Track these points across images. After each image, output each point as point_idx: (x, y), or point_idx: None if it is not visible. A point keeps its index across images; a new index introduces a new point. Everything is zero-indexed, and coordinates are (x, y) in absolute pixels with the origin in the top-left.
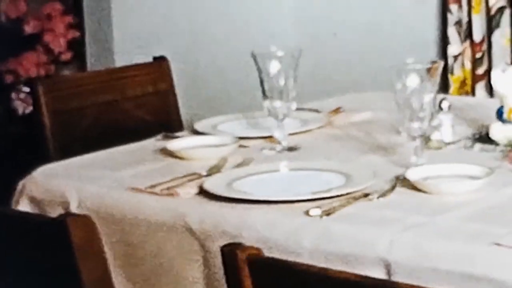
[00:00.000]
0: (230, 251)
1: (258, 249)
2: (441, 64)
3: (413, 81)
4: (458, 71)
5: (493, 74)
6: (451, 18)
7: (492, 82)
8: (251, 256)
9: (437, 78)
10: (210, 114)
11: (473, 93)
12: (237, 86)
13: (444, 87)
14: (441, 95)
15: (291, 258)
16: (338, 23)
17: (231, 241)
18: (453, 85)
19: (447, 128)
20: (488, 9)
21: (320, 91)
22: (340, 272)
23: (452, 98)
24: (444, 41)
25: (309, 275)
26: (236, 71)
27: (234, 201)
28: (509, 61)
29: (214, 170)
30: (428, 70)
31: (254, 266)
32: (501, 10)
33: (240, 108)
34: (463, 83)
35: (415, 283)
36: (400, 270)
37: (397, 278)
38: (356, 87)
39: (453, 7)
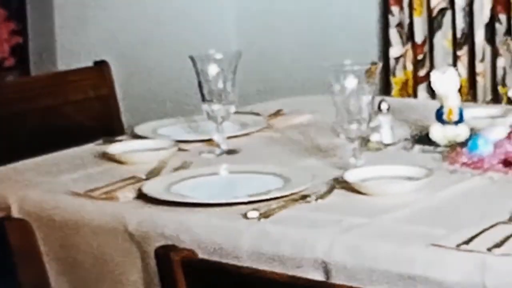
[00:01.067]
0: (164, 253)
1: (192, 251)
2: (379, 65)
3: (351, 82)
4: (400, 73)
5: (433, 75)
6: (393, 20)
7: (432, 83)
8: (185, 258)
9: (375, 80)
10: (154, 118)
11: (415, 95)
12: (180, 89)
13: (385, 89)
14: (381, 97)
15: (230, 261)
16: (279, 26)
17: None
18: (395, 87)
19: (386, 130)
20: (429, 10)
21: (261, 94)
22: (272, 272)
23: (392, 100)
24: (385, 43)
25: (242, 276)
26: (179, 75)
27: (172, 205)
28: (451, 62)
29: (153, 173)
30: (366, 71)
31: (188, 268)
32: (442, 11)
33: (183, 111)
34: (405, 85)
35: (353, 284)
36: (338, 272)
37: (335, 279)
38: (298, 90)
39: (395, 9)
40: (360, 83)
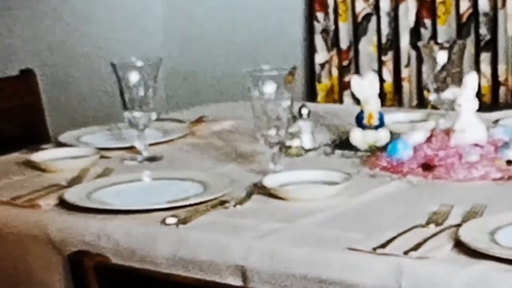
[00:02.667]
0: (78, 259)
1: (105, 256)
2: (296, 70)
3: (269, 88)
4: (325, 79)
5: (353, 80)
6: (318, 26)
7: (352, 88)
8: (98, 264)
9: (294, 85)
10: (79, 126)
11: (340, 101)
12: (105, 97)
13: (311, 95)
14: (301, 103)
15: (148, 266)
16: (204, 32)
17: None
18: (320, 93)
19: (306, 135)
20: (354, 16)
21: (186, 101)
22: (187, 277)
23: (313, 105)
24: (311, 49)
25: (156, 281)
26: (104, 83)
27: (93, 211)
28: (376, 68)
29: (75, 181)
30: (285, 77)
31: (101, 273)
32: (367, 17)
33: (108, 119)
34: (330, 91)
35: None
36: (256, 277)
37: (253, 284)
38: (224, 96)
39: (320, 15)
40: (279, 89)
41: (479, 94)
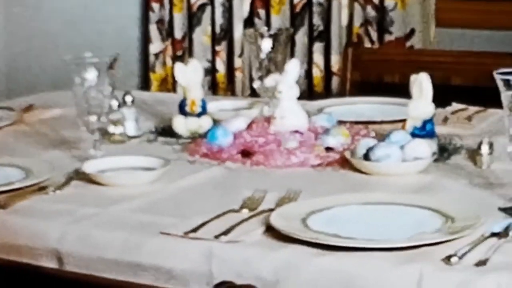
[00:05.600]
0: None
1: None
2: (117, 57)
3: (91, 75)
4: (159, 69)
5: (176, 67)
6: (153, 17)
7: (175, 75)
8: None
9: (116, 72)
10: None
11: (174, 90)
12: None
13: (145, 85)
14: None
15: None
16: (38, 22)
17: None
18: (154, 83)
19: (130, 122)
20: (189, 7)
21: (17, 89)
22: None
23: (139, 93)
24: (146, 39)
25: None
26: None
27: None
28: (210, 58)
29: None
30: (108, 64)
31: None
32: (202, 7)
33: None
34: (164, 81)
35: (85, 272)
36: (71, 260)
37: (69, 267)
38: (55, 86)
39: (155, 5)
40: (101, 76)
41: (311, 84)
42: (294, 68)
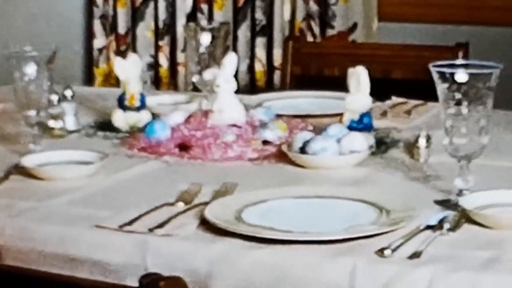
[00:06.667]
0: None
1: None
2: (56, 51)
3: (30, 69)
4: (103, 64)
5: (115, 61)
6: (97, 12)
7: (115, 69)
8: None
9: (55, 66)
10: None
11: (117, 85)
12: None
13: (89, 80)
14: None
15: None
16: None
17: None
18: (98, 78)
19: (70, 117)
20: (133, 2)
21: None
22: None
23: (80, 88)
24: (89, 34)
25: None
26: None
27: None
28: (153, 53)
29: None
30: (47, 58)
31: None
32: (145, 2)
33: None
34: (108, 76)
35: (24, 266)
36: (8, 254)
37: (8, 261)
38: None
39: (99, 0)
40: (40, 70)
41: (254, 79)
42: (231, 62)
